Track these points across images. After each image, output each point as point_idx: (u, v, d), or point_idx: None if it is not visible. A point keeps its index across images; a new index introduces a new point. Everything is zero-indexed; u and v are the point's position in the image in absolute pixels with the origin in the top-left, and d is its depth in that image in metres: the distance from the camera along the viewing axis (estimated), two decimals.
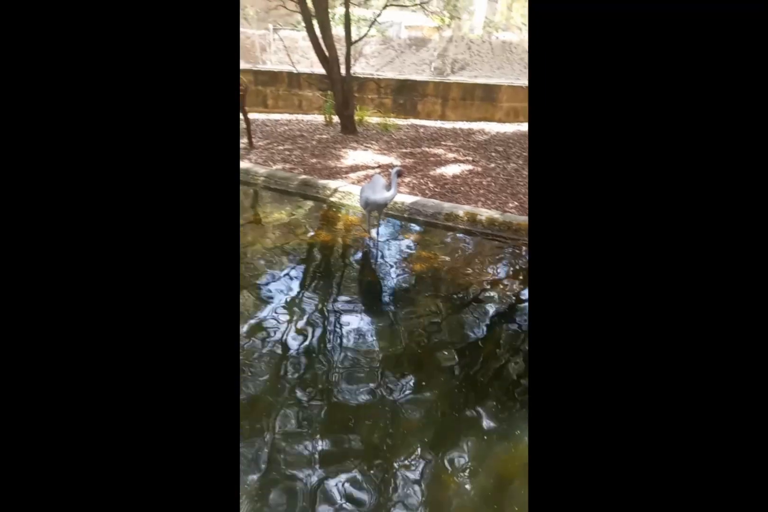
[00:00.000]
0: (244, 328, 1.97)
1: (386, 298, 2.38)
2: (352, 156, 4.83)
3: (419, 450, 1.42)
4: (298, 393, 1.62)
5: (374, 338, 1.98)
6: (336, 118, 6.15)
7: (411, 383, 1.72)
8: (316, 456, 1.38)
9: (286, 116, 6.99)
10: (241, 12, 8.94)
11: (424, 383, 1.72)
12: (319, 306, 2.22)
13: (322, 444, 1.42)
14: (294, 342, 1.91)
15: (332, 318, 2.12)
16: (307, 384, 1.68)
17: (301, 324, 2.05)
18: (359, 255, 2.89)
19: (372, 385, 1.68)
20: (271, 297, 2.27)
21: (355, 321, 2.10)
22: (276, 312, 2.12)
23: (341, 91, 5.63)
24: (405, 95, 7.57)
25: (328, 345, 1.90)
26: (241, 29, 7.74)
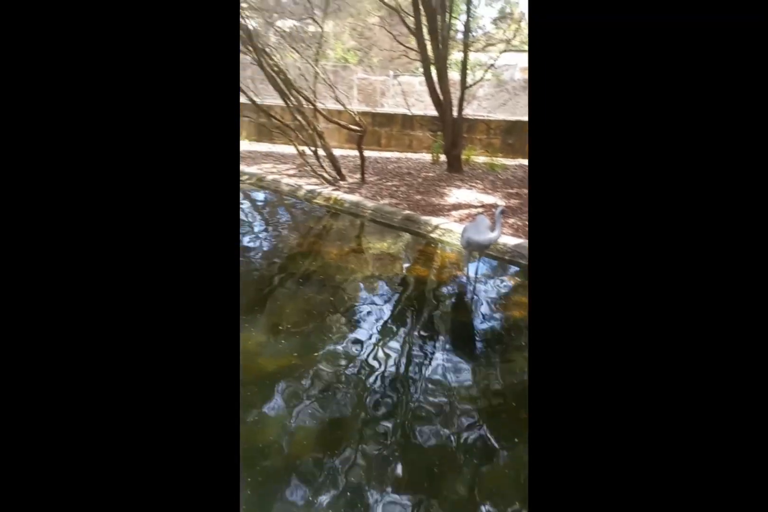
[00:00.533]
0: (336, 349, 2.07)
1: (478, 342, 2.33)
2: (456, 194, 4.92)
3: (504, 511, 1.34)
4: (377, 428, 1.63)
5: (461, 383, 1.94)
6: (443, 157, 6.36)
7: (498, 438, 1.63)
8: (388, 501, 1.37)
9: (396, 154, 7.42)
10: (365, 60, 9.89)
11: (516, 439, 1.62)
12: (408, 339, 2.24)
13: (396, 493, 1.39)
14: (377, 373, 1.94)
15: (419, 355, 2.12)
16: (386, 419, 1.69)
17: (387, 355, 2.09)
18: (454, 293, 2.88)
19: (454, 433, 1.63)
20: (363, 325, 2.36)
21: (443, 362, 2.08)
22: (365, 340, 2.20)
23: (451, 131, 5.84)
24: (515, 135, 7.56)
25: (413, 383, 1.90)
26: (364, 75, 8.52)
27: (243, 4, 4.55)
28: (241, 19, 4.33)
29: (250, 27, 4.43)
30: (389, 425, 1.64)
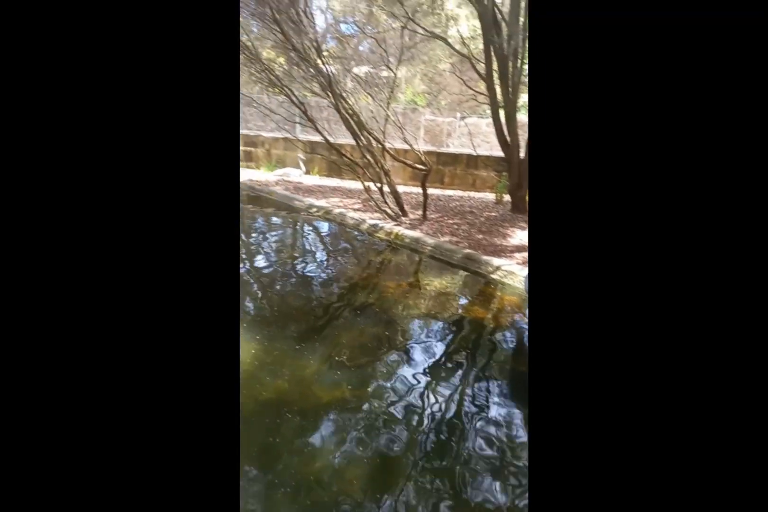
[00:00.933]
0: (388, 386, 2.05)
1: None
2: (520, 235, 4.83)
3: None
4: (422, 477, 1.56)
5: (513, 437, 1.82)
6: (507, 197, 6.32)
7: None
8: None
9: (458, 193, 7.49)
10: (434, 103, 10.30)
11: None
12: (461, 383, 2.17)
13: None
14: (428, 418, 1.88)
15: (472, 401, 2.03)
16: (433, 469, 1.61)
17: (438, 397, 2.02)
18: (514, 339, 2.77)
19: (504, 493, 1.52)
20: (416, 363, 2.32)
21: (498, 414, 1.97)
22: (417, 379, 2.15)
23: (518, 172, 5.82)
24: None
25: (462, 430, 1.82)
26: (432, 117, 8.83)
27: (324, 53, 4.98)
28: (322, 66, 4.74)
29: (330, 74, 4.82)
30: (433, 473, 1.57)
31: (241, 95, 7.83)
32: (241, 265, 3.83)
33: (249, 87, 8.23)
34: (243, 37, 5.11)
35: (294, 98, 5.05)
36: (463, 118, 8.66)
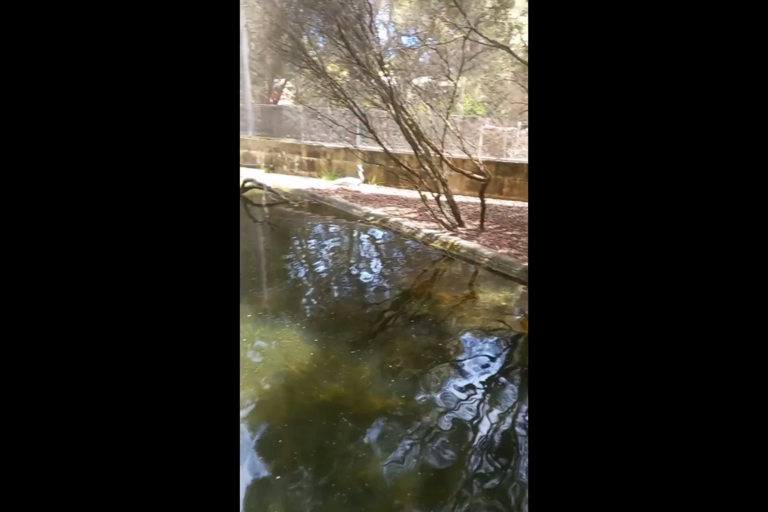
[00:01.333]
0: (441, 399, 2.02)
1: None
2: None
3: None
4: (472, 495, 1.52)
5: None
6: None
7: None
8: None
9: (518, 203, 7.29)
10: (494, 112, 10.16)
11: None
12: (516, 402, 2.09)
13: None
14: (481, 431, 1.83)
15: (526, 420, 1.95)
16: (483, 483, 1.57)
17: (493, 418, 1.96)
18: None
19: None
20: (471, 377, 2.27)
21: None
22: (472, 394, 2.11)
23: None
24: None
25: (515, 449, 1.75)
26: (492, 126, 8.71)
27: (386, 65, 5.10)
28: (383, 78, 4.85)
29: (391, 86, 4.92)
30: (486, 492, 1.53)
31: (306, 107, 8.21)
32: (300, 267, 3.98)
33: (314, 100, 8.59)
34: (310, 53, 5.36)
35: (356, 110, 5.21)
36: (524, 127, 8.46)
